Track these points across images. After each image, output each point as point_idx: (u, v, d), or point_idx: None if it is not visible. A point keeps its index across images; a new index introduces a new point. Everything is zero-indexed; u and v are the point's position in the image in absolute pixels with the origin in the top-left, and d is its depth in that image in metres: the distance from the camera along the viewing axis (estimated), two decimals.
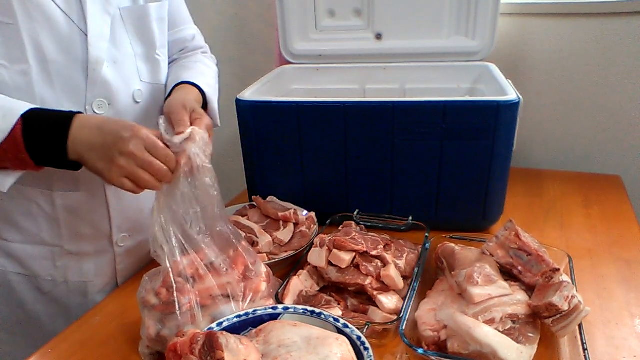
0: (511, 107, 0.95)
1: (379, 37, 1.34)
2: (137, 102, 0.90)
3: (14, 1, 0.73)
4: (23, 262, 0.91)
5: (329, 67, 1.35)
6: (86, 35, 0.79)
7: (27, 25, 0.75)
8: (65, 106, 0.80)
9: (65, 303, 0.95)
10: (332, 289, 0.86)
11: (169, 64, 1.00)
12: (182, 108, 0.79)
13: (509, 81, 1.07)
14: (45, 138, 0.71)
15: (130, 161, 0.70)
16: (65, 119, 0.72)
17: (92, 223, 0.90)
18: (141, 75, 0.90)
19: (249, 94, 1.10)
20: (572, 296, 0.69)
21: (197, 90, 0.92)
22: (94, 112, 0.83)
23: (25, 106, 0.72)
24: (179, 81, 0.93)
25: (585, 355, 0.65)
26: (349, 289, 0.84)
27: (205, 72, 1.00)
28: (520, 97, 0.96)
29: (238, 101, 1.06)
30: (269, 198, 1.08)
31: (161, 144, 0.72)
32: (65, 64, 0.79)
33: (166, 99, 0.92)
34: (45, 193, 0.86)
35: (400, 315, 0.74)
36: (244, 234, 0.96)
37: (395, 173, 1.02)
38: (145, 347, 0.73)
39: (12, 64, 0.75)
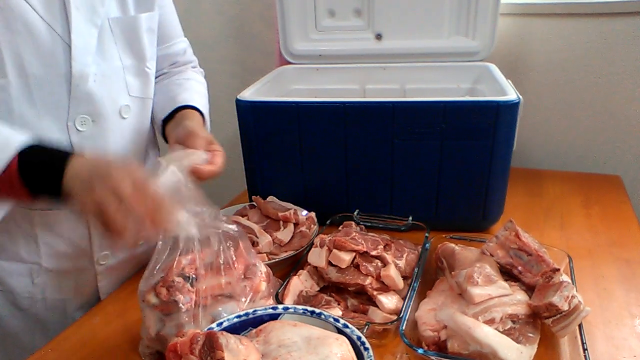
0: (511, 107, 0.94)
1: (379, 37, 1.34)
2: (124, 118, 0.86)
3: None
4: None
5: (329, 67, 1.35)
6: (70, 47, 0.75)
7: (6, 37, 0.70)
8: (46, 123, 0.77)
9: (43, 320, 0.91)
10: (332, 289, 0.86)
11: (158, 77, 0.98)
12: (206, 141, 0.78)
13: (509, 81, 1.07)
14: (42, 176, 0.65)
15: (109, 195, 0.60)
16: (61, 160, 0.65)
17: (71, 241, 0.87)
18: (130, 89, 0.86)
19: (249, 94, 1.10)
20: (572, 296, 0.69)
21: (199, 114, 0.92)
22: (76, 129, 0.79)
23: (20, 139, 0.66)
24: (183, 104, 0.91)
25: (585, 355, 0.65)
26: (349, 289, 0.84)
27: (200, 92, 0.99)
28: (520, 97, 0.96)
29: (238, 101, 1.06)
30: (269, 198, 1.08)
31: (153, 190, 0.62)
32: (47, 78, 0.75)
33: (166, 118, 0.91)
34: (23, 211, 0.82)
35: (400, 315, 0.74)
36: None
37: (395, 173, 1.02)
38: (145, 347, 0.73)
39: None
